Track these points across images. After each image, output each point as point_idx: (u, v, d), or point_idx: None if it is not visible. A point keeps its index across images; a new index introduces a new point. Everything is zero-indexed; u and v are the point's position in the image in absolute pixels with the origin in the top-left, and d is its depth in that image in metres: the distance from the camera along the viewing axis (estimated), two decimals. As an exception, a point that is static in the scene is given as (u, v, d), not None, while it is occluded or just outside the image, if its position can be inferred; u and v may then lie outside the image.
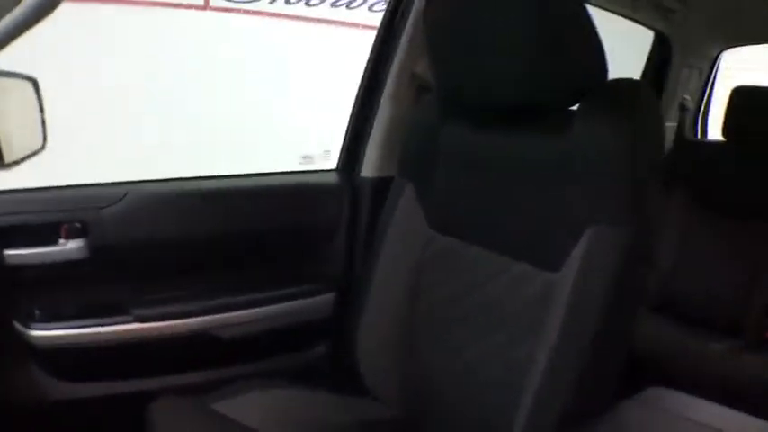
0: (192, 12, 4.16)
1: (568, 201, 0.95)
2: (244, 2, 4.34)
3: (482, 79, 1.04)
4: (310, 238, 1.52)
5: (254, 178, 1.51)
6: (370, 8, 5.75)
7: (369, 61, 1.52)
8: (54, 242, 1.22)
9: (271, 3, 4.36)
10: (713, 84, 2.46)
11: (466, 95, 1.11)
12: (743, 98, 1.98)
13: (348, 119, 1.54)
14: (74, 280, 1.28)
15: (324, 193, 1.52)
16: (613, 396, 1.05)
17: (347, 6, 4.59)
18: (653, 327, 1.85)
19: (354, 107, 1.53)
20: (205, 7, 4.56)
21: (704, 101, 2.46)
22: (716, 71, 2.45)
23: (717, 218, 1.97)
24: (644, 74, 2.33)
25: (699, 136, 2.48)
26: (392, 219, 1.26)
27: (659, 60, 2.28)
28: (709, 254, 1.91)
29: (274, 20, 4.50)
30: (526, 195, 1.05)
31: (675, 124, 2.32)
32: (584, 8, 0.98)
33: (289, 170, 1.58)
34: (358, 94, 1.53)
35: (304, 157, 3.41)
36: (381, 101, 1.48)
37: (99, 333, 1.27)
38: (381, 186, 1.37)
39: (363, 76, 1.52)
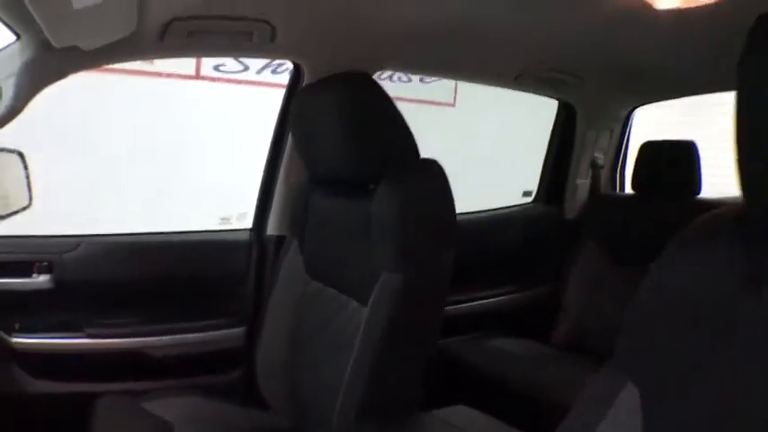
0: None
1: (371, 253, 1.33)
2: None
3: (322, 161, 1.49)
4: (226, 282, 1.92)
5: (182, 235, 1.95)
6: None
7: (272, 137, 1.92)
8: (29, 276, 1.68)
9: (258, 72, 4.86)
10: (628, 140, 2.71)
11: (316, 172, 1.57)
12: (648, 152, 2.24)
13: (259, 186, 1.95)
14: (43, 304, 1.71)
15: (237, 247, 1.92)
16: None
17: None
18: (560, 363, 2.12)
19: (263, 175, 1.94)
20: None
21: (620, 156, 2.72)
22: (629, 128, 2.69)
23: (622, 264, 2.20)
24: (552, 136, 2.63)
25: (618, 189, 2.74)
26: (281, 267, 1.69)
27: (565, 124, 2.57)
28: (612, 298, 2.10)
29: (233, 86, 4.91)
30: (352, 248, 1.44)
31: (588, 181, 2.60)
32: (390, 101, 1.39)
33: (211, 229, 2.03)
34: (265, 164, 1.93)
35: (222, 219, 3.87)
36: (281, 171, 1.89)
37: (61, 344, 1.71)
38: (280, 242, 1.79)
39: (269, 149, 1.93)
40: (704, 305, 0.64)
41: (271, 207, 1.92)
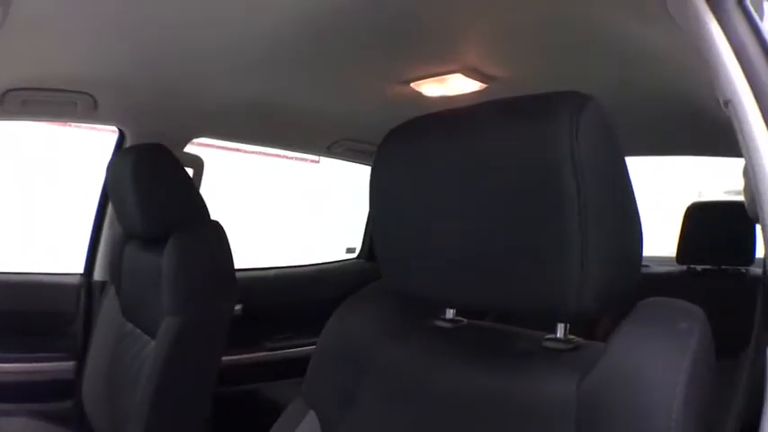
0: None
1: (161, 299, 1.55)
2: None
3: (126, 218, 1.73)
4: (59, 320, 2.13)
5: (20, 276, 2.16)
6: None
7: (101, 191, 2.17)
8: None
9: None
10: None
11: (125, 227, 1.81)
12: None
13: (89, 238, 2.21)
14: None
15: (69, 290, 2.15)
16: None
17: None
18: None
19: (92, 226, 2.19)
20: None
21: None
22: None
23: None
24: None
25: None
26: (102, 310, 1.95)
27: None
28: None
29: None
30: (149, 294, 1.63)
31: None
32: (181, 170, 1.70)
33: (46, 272, 2.22)
34: (95, 215, 2.19)
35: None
36: (105, 223, 2.16)
37: None
38: (104, 286, 2.05)
39: (98, 202, 2.18)
40: (357, 351, 0.85)
41: (98, 255, 2.17)
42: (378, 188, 0.80)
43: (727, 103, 0.73)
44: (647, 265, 2.51)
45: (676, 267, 2.47)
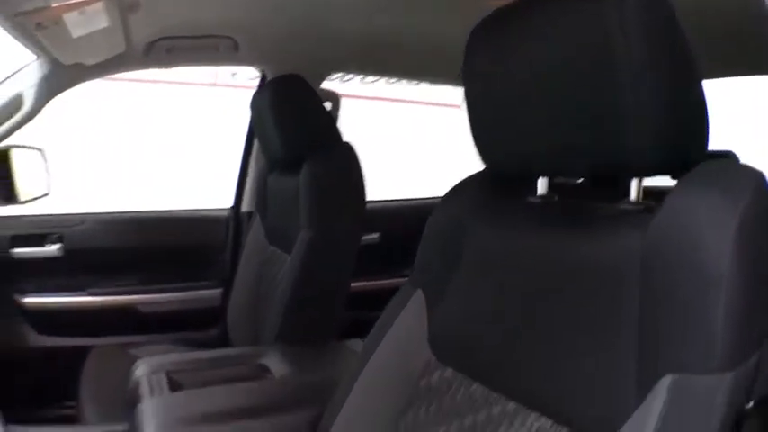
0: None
1: (298, 217, 1.71)
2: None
3: (268, 148, 1.87)
4: (208, 251, 2.38)
5: (173, 212, 2.43)
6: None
7: (247, 130, 2.37)
8: (42, 245, 2.18)
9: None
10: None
11: (268, 157, 1.99)
12: None
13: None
14: (53, 269, 2.18)
15: (218, 222, 2.39)
16: None
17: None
18: None
19: (240, 162, 2.40)
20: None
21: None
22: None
23: None
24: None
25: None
26: (248, 238, 2.12)
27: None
28: None
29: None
30: (289, 216, 1.79)
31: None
32: (315, 99, 1.82)
33: (197, 208, 2.48)
34: (242, 153, 2.39)
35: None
36: (252, 158, 2.37)
37: (66, 302, 2.19)
38: (249, 217, 2.25)
39: (245, 141, 2.38)
40: (455, 231, 0.95)
41: (245, 188, 2.38)
42: (470, 73, 0.88)
43: None
44: None
45: None
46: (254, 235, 2.12)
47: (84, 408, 1.72)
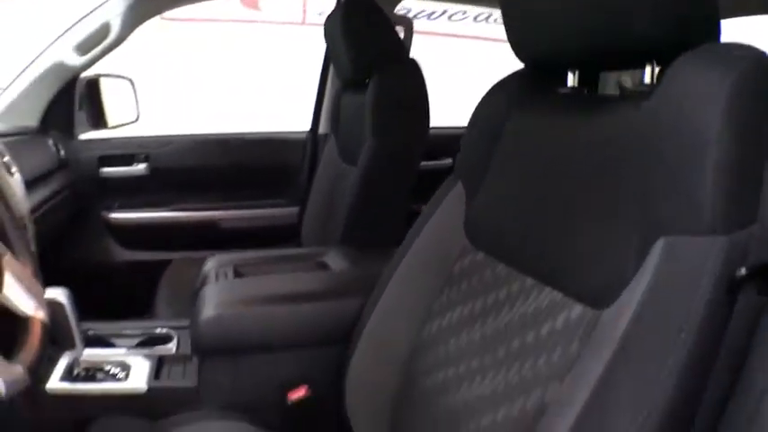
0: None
1: (364, 129, 1.76)
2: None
3: (339, 66, 1.84)
4: (287, 171, 2.46)
5: (254, 134, 2.52)
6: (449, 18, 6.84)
7: (324, 55, 2.41)
8: (130, 164, 2.30)
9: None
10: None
11: (340, 76, 2.03)
12: None
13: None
14: (139, 187, 2.31)
15: (296, 143, 2.47)
16: None
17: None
18: None
19: (317, 87, 2.45)
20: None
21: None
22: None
23: None
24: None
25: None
26: (323, 156, 2.18)
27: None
28: None
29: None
30: (357, 130, 1.82)
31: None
32: (382, 16, 1.84)
33: (276, 130, 2.57)
34: (319, 78, 2.43)
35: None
36: (327, 86, 2.41)
37: (150, 217, 2.32)
38: (325, 139, 2.31)
39: (322, 65, 2.42)
40: (492, 122, 1.00)
41: (322, 111, 2.44)
42: None
43: None
44: None
45: None
46: (329, 154, 2.17)
47: (158, 313, 1.86)
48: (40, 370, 0.78)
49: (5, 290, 0.83)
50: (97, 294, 1.71)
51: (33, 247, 0.99)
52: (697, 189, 0.61)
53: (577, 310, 0.73)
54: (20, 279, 0.85)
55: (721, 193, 0.60)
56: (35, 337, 0.81)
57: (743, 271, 0.59)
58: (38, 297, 0.87)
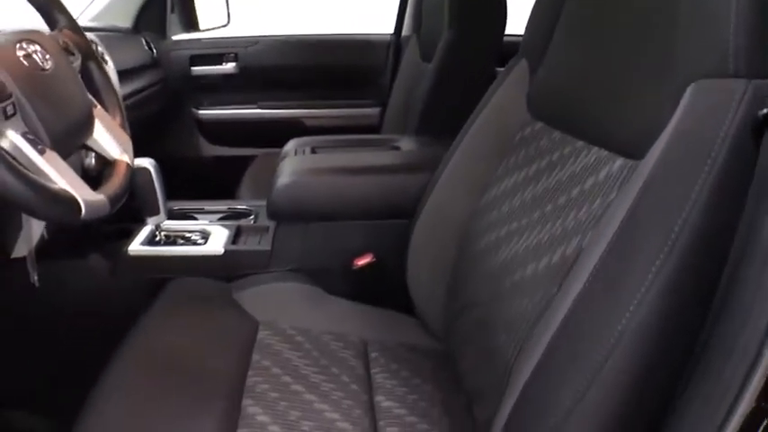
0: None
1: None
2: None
3: None
4: (370, 72, 2.51)
5: (339, 35, 2.57)
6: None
7: None
8: (220, 63, 2.42)
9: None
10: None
11: None
12: None
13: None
14: (227, 85, 2.43)
15: (380, 45, 2.50)
16: None
17: None
18: None
19: None
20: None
21: None
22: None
23: None
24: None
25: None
26: (405, 56, 2.23)
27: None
28: None
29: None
30: (438, 28, 1.86)
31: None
32: None
33: (361, 32, 2.59)
34: None
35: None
36: None
37: (238, 114, 2.44)
38: (407, 40, 2.34)
39: None
40: (550, 6, 1.01)
41: (405, 14, 2.47)
42: None
43: None
44: None
45: None
46: (411, 55, 2.20)
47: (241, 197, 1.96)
48: (118, 203, 0.85)
49: (95, 134, 0.92)
50: (184, 186, 1.82)
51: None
52: (720, 33, 0.62)
53: (619, 162, 0.75)
54: (108, 128, 0.95)
55: (745, 39, 0.61)
56: (119, 175, 0.90)
57: (765, 111, 0.60)
58: (124, 144, 0.96)
